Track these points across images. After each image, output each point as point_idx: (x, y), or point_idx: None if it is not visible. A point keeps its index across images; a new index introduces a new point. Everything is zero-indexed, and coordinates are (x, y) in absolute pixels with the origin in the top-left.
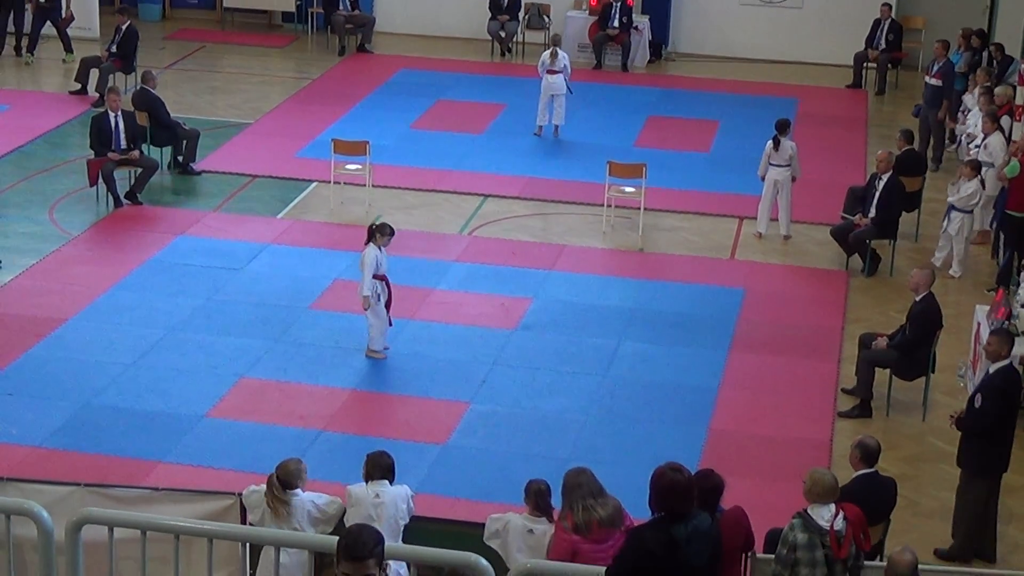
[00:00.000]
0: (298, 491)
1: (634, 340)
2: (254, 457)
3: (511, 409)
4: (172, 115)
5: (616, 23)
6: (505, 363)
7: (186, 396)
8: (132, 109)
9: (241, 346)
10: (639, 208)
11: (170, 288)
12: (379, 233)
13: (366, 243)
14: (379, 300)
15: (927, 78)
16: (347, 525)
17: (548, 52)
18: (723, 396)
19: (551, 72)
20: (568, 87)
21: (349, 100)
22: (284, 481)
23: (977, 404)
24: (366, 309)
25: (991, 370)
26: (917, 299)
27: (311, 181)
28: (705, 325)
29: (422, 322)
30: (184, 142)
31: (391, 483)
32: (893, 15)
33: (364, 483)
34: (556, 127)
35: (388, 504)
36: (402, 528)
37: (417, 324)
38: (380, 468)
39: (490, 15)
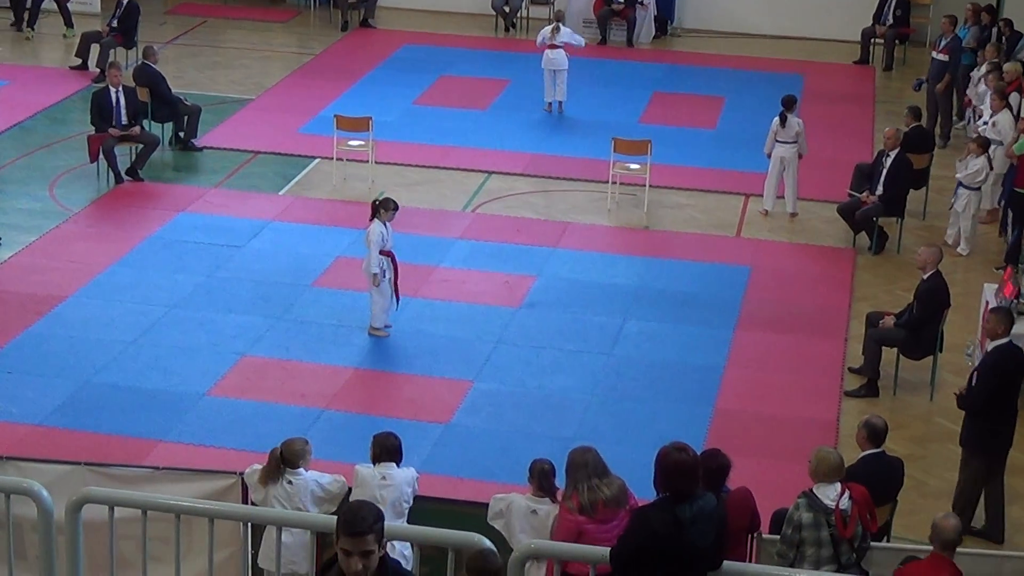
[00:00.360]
0: (301, 470)
1: (639, 319)
2: (255, 436)
3: (515, 388)
4: (173, 91)
5: None
6: (509, 342)
7: (187, 374)
8: (133, 85)
9: (242, 324)
10: (644, 185)
11: (171, 265)
12: (383, 208)
13: (371, 219)
14: (385, 277)
15: (933, 53)
16: None
17: (550, 27)
18: (729, 375)
19: (551, 47)
20: (569, 51)
21: (352, 76)
22: (288, 460)
23: (973, 382)
24: (376, 286)
25: (989, 348)
26: (924, 277)
27: (313, 157)
28: (711, 303)
29: (425, 300)
30: (185, 118)
31: (398, 465)
32: None
33: (371, 464)
34: (559, 103)
35: (394, 487)
36: (406, 511)
37: (420, 302)
38: (387, 450)
39: None
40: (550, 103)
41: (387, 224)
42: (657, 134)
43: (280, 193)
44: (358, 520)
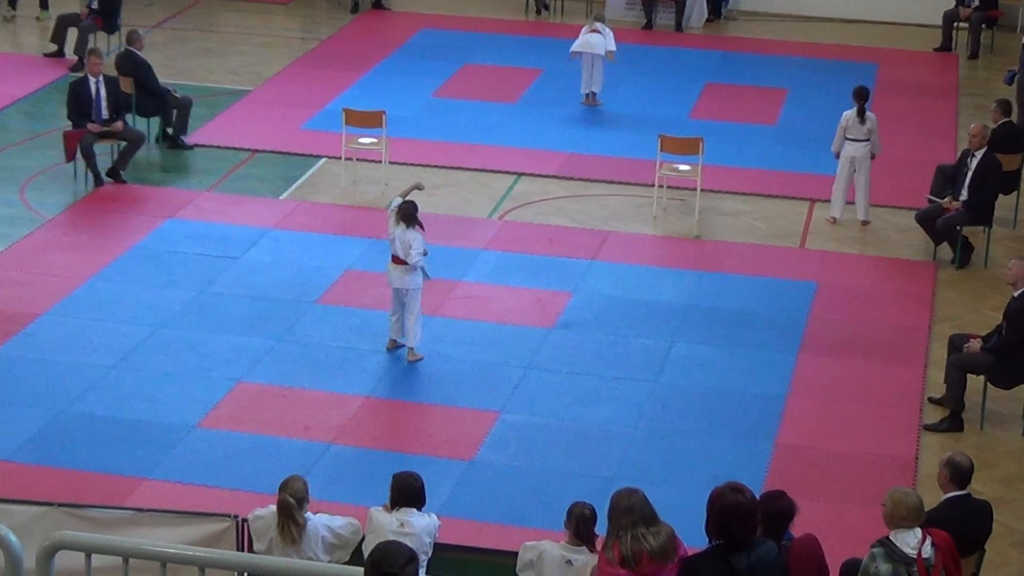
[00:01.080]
0: (308, 514)
1: (689, 341)
2: (252, 474)
3: (547, 420)
4: (161, 81)
5: None
6: (540, 367)
7: (175, 403)
8: (115, 74)
9: (238, 346)
10: (695, 189)
11: (158, 279)
12: (417, 211)
13: (406, 223)
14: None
15: None
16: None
17: (587, 27)
18: (792, 406)
19: (592, 31)
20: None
21: (363, 64)
22: (300, 503)
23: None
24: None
25: (1015, 294)
26: (1016, 295)
27: (319, 157)
28: (771, 324)
29: (445, 319)
30: (174, 112)
31: (419, 510)
32: None
33: (388, 508)
34: (593, 94)
35: (414, 536)
36: (425, 563)
37: (440, 321)
38: (409, 493)
39: None
40: (587, 94)
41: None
42: (710, 131)
43: (281, 197)
44: (388, 560)
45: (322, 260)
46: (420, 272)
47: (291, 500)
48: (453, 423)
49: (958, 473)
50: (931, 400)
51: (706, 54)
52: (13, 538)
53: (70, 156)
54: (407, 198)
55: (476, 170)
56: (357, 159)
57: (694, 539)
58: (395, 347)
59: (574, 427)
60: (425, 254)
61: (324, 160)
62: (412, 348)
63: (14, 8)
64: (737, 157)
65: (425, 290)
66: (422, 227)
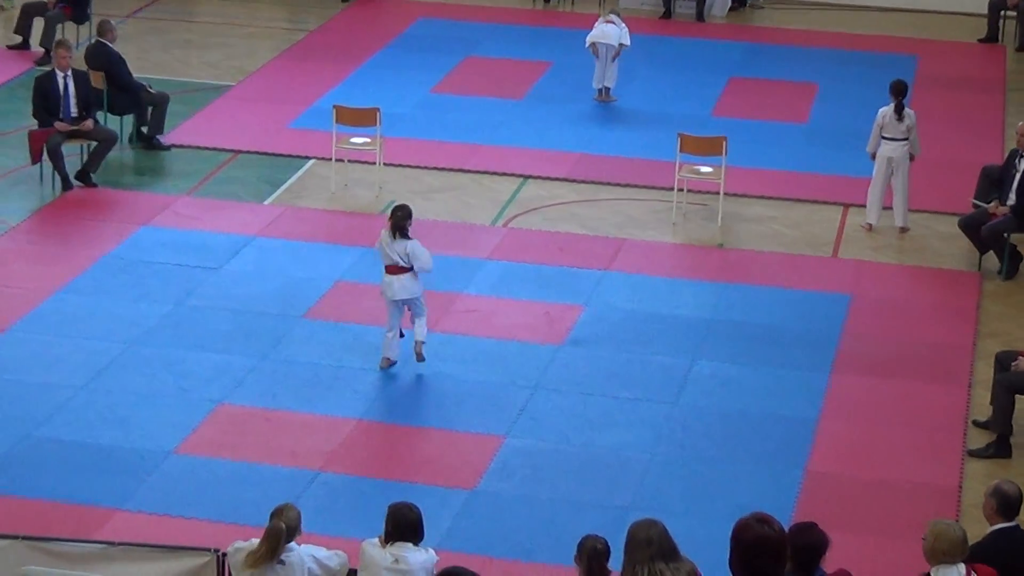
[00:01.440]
0: (294, 544)
1: (712, 359)
2: (234, 504)
3: (556, 445)
4: (135, 75)
5: None
6: (549, 387)
7: (150, 427)
8: (85, 68)
9: (219, 364)
10: (718, 193)
11: (131, 292)
12: (410, 219)
13: (397, 234)
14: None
15: None
16: None
17: (602, 17)
18: (824, 430)
19: (606, 21)
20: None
21: (355, 57)
22: (289, 533)
23: None
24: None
25: None
26: None
27: (307, 158)
28: (801, 340)
29: (445, 335)
30: (149, 109)
31: (416, 545)
32: None
33: (382, 542)
34: (607, 89)
35: (410, 573)
36: None
37: (439, 337)
38: (405, 526)
39: None
40: (600, 89)
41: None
42: (734, 129)
43: (266, 202)
44: None
45: (310, 270)
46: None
47: (283, 528)
48: (454, 449)
49: (1005, 503)
50: (976, 423)
51: (730, 46)
52: None
53: (36, 158)
54: (399, 203)
55: (479, 172)
56: (348, 160)
57: (717, 575)
58: (389, 365)
59: (586, 453)
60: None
61: (313, 162)
62: (422, 341)
63: None
64: (763, 158)
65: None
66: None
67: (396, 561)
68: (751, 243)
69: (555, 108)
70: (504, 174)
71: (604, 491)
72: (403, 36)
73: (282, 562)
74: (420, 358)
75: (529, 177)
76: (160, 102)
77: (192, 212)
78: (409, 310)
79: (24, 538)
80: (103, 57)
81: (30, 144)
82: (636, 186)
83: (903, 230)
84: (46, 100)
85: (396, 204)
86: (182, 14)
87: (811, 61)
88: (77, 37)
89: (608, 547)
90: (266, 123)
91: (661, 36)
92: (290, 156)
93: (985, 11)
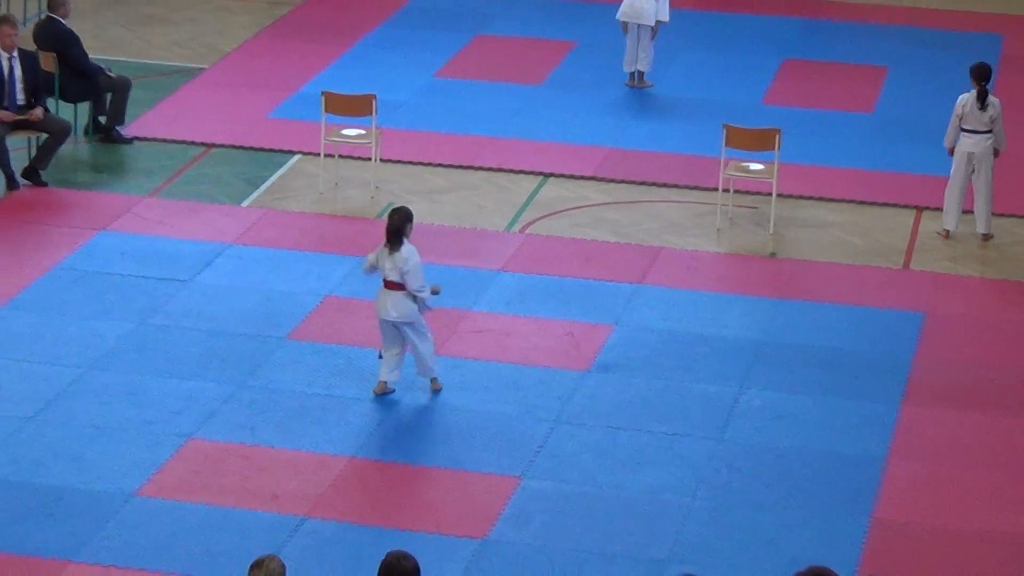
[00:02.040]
0: None
1: (762, 387)
2: (206, 555)
3: (581, 488)
4: (91, 57)
5: None
6: (573, 420)
7: (109, 466)
8: (34, 48)
9: (189, 393)
10: (770, 194)
11: (87, 308)
12: (410, 222)
13: (392, 243)
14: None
15: None
16: None
17: None
18: (893, 470)
19: None
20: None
21: (347, 35)
22: None
23: None
24: (434, 294)
25: None
26: None
27: (292, 153)
28: (867, 366)
29: (452, 359)
30: (108, 96)
31: None
32: None
33: None
34: (640, 73)
35: None
36: None
37: (445, 362)
38: None
39: None
40: (632, 73)
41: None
42: (789, 120)
43: (244, 204)
44: None
45: (295, 284)
46: (419, 302)
47: None
48: (461, 491)
49: None
50: None
51: (785, 22)
52: None
53: None
54: (397, 206)
55: (491, 170)
56: (340, 156)
57: None
58: (385, 391)
59: (615, 497)
60: (436, 292)
61: (298, 157)
62: (434, 378)
63: None
64: (823, 153)
65: (427, 320)
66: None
67: None
68: (808, 253)
69: (580, 95)
70: (521, 172)
71: (637, 542)
72: (403, 11)
73: None
74: (437, 388)
75: (550, 175)
76: (120, 88)
77: (158, 215)
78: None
79: None
80: (54, 35)
81: None
82: (675, 186)
83: (986, 237)
84: None
85: (394, 206)
86: None
87: (879, 40)
88: (24, 12)
89: None
90: (244, 112)
91: (704, 11)
92: (272, 151)
93: None
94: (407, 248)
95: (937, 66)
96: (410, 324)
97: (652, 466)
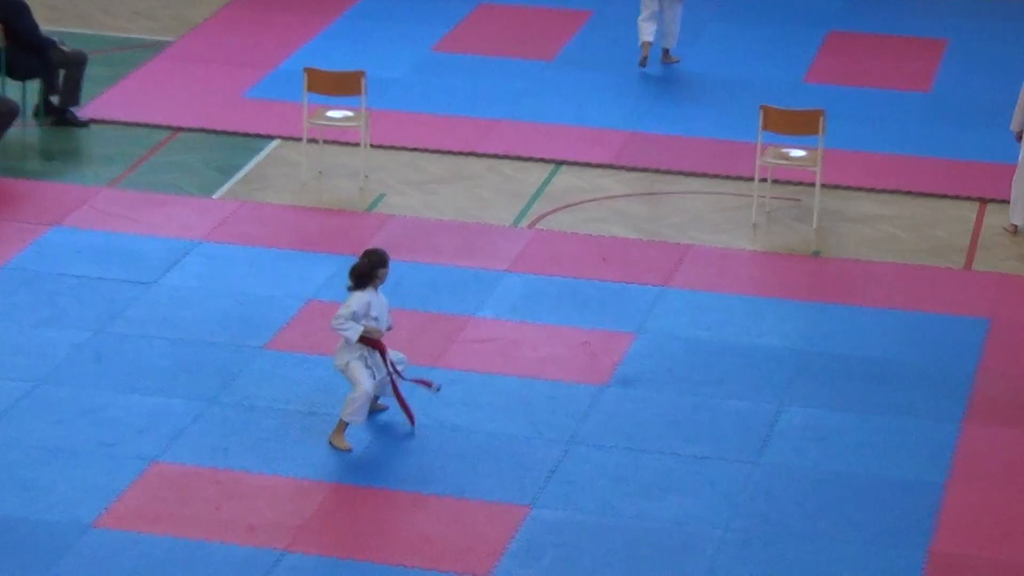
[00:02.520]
0: None
1: (804, 404)
2: None
3: (599, 518)
4: (42, 28)
5: None
6: (589, 441)
7: (62, 493)
8: None
9: (153, 410)
10: (812, 184)
11: (37, 314)
12: (383, 266)
13: (359, 286)
14: (373, 376)
15: None
16: None
17: None
18: (953, 497)
19: None
20: None
21: (333, 5)
22: None
23: None
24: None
25: None
26: None
27: (270, 138)
28: (922, 379)
29: (452, 372)
30: (61, 73)
31: None
32: None
33: None
34: (666, 51)
35: None
36: None
37: (443, 375)
38: None
39: None
40: (646, 45)
41: (378, 292)
42: (834, 100)
43: (216, 196)
44: None
45: (274, 286)
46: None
47: None
48: (462, 522)
49: None
50: None
51: None
52: None
53: None
54: (372, 255)
55: (496, 157)
56: (324, 141)
57: None
58: (376, 409)
59: (637, 528)
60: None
61: (277, 143)
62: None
63: None
64: (873, 138)
65: (423, 330)
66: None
67: None
68: (856, 251)
69: (596, 72)
70: (530, 159)
71: None
72: None
73: None
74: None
75: (562, 163)
76: (76, 63)
77: (118, 209)
78: None
79: None
80: (1, 4)
81: None
82: (704, 175)
83: None
84: None
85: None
86: None
87: (937, 9)
88: None
89: None
90: (216, 91)
91: None
92: (247, 135)
93: None
94: (356, 294)
95: (1004, 39)
96: (343, 369)
97: (679, 493)
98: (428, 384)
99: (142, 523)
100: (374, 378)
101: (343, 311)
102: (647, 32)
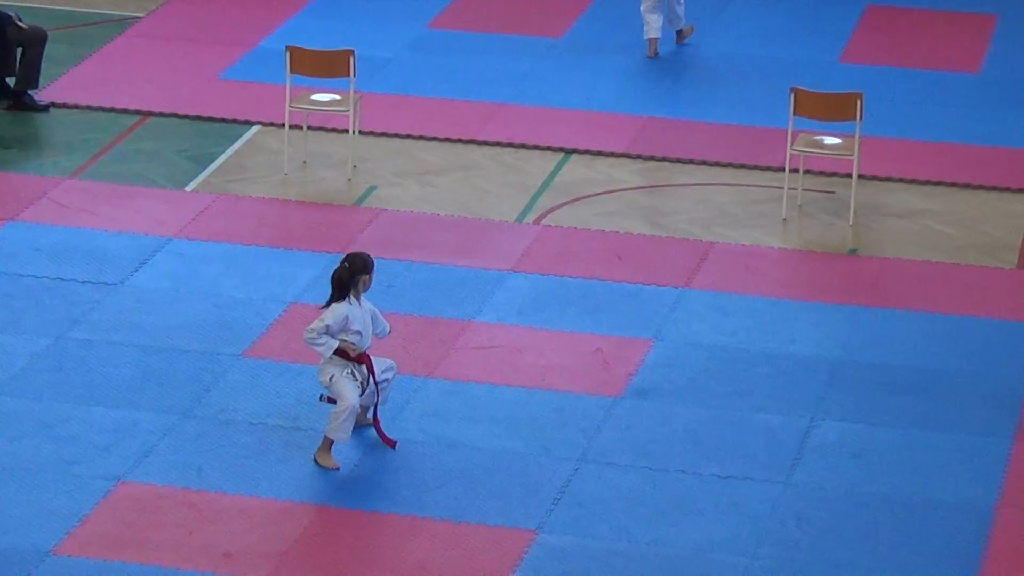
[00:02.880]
0: None
1: (839, 418)
2: None
3: (611, 544)
4: None
5: None
6: (601, 459)
7: (20, 516)
8: None
9: (119, 424)
10: (849, 175)
11: None
12: (365, 273)
13: (334, 299)
14: (351, 373)
15: None
16: None
17: None
18: (1004, 521)
19: None
20: None
21: None
22: None
23: None
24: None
25: None
26: None
27: (249, 124)
28: (971, 391)
29: (450, 383)
30: (18, 52)
31: None
32: None
33: None
34: (678, 32)
35: None
36: None
37: (441, 386)
38: None
39: None
40: (653, 39)
41: (361, 301)
42: (872, 82)
43: (189, 188)
44: None
45: (253, 288)
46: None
47: None
48: (462, 548)
49: None
50: None
51: None
52: None
53: None
54: (354, 260)
55: (499, 145)
56: (309, 127)
57: None
58: (366, 423)
59: (654, 556)
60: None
61: (256, 129)
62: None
63: None
64: (916, 124)
65: (417, 337)
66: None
67: None
68: (897, 248)
69: (609, 52)
70: (535, 147)
71: None
72: None
73: None
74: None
75: (572, 152)
76: (34, 42)
77: (80, 202)
78: None
79: None
80: None
81: None
82: (728, 165)
83: None
84: None
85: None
86: None
87: None
88: None
89: None
90: (188, 72)
91: None
92: (223, 120)
93: None
94: (333, 306)
95: None
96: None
97: (701, 517)
98: (391, 444)
99: (107, 550)
100: (362, 391)
101: (317, 324)
102: (653, 27)
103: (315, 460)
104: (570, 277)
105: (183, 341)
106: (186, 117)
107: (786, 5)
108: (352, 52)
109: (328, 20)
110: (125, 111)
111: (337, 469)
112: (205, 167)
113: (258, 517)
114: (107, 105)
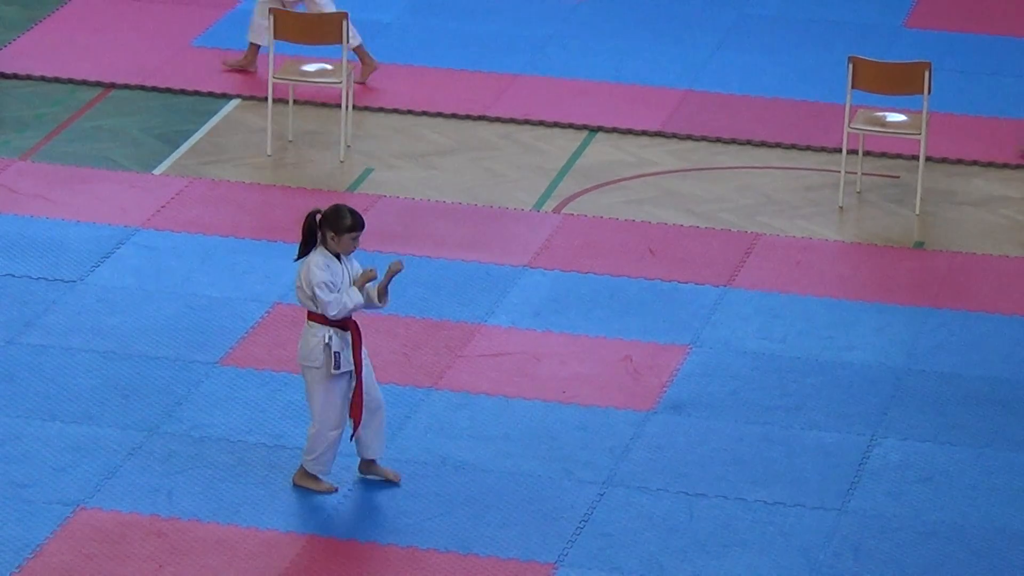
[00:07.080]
0: None
1: (904, 436)
2: None
3: None
4: None
5: None
6: (630, 483)
7: None
8: None
9: (79, 442)
10: (915, 157)
11: None
12: (331, 228)
13: (303, 252)
14: (339, 366)
15: None
16: None
17: None
18: None
19: None
20: None
21: None
22: None
23: None
24: (331, 373)
25: None
26: None
27: (227, 97)
28: None
29: (457, 395)
30: None
31: None
32: None
33: None
34: None
35: None
36: None
37: (446, 399)
38: None
39: None
40: None
41: (344, 259)
42: (942, 51)
43: (158, 171)
44: None
45: (232, 286)
46: (318, 348)
47: None
48: None
49: None
50: None
51: None
52: None
53: None
54: (329, 211)
55: (513, 122)
56: (296, 102)
57: None
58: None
59: None
60: (393, 272)
61: (236, 103)
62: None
63: None
64: (992, 99)
65: (421, 343)
66: (328, 247)
67: None
68: (969, 242)
69: (639, 14)
70: (556, 125)
71: None
72: None
73: None
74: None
75: (598, 130)
76: None
77: (33, 187)
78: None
79: None
80: None
81: None
82: (777, 145)
83: None
84: None
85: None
86: None
87: None
88: None
89: None
90: (158, 38)
91: None
92: (197, 94)
93: None
94: (314, 259)
95: None
96: (305, 370)
97: (744, 548)
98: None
99: None
100: (343, 412)
101: (321, 294)
102: None
103: (296, 484)
104: (595, 274)
105: (151, 347)
106: (154, 90)
107: None
108: (346, 15)
109: None
110: (84, 83)
111: (333, 491)
112: (176, 147)
113: (237, 548)
114: (64, 76)
